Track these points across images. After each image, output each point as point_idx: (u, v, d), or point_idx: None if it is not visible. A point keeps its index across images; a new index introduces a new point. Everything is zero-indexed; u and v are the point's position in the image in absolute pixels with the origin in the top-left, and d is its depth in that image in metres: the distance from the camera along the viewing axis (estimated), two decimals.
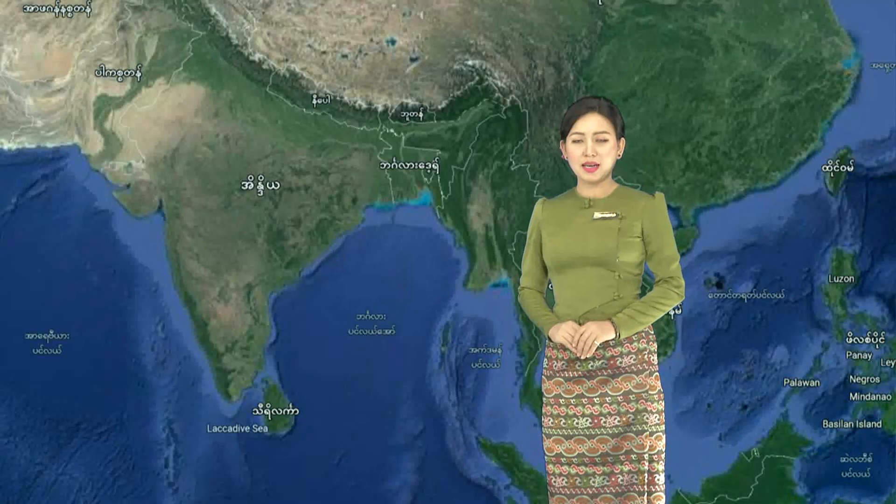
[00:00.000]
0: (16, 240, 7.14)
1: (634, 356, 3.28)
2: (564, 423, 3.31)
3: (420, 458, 7.12)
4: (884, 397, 6.84)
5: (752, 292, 6.95)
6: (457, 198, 7.07)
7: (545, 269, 3.48)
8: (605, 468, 3.26)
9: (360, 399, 7.08)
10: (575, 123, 3.36)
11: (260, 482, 7.13)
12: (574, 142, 3.36)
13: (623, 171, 6.88)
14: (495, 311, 7.08)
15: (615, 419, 3.25)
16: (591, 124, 3.34)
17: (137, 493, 7.14)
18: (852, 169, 6.86)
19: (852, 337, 6.87)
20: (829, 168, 6.88)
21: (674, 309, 7.08)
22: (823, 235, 6.94)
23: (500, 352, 7.05)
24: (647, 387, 3.27)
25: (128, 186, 7.13)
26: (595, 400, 3.28)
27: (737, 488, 6.92)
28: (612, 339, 3.27)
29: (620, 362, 3.28)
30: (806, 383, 6.91)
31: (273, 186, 7.04)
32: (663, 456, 3.30)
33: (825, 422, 6.89)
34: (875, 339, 6.84)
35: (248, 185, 7.04)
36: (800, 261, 6.95)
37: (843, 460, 6.86)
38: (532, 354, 7.05)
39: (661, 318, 6.86)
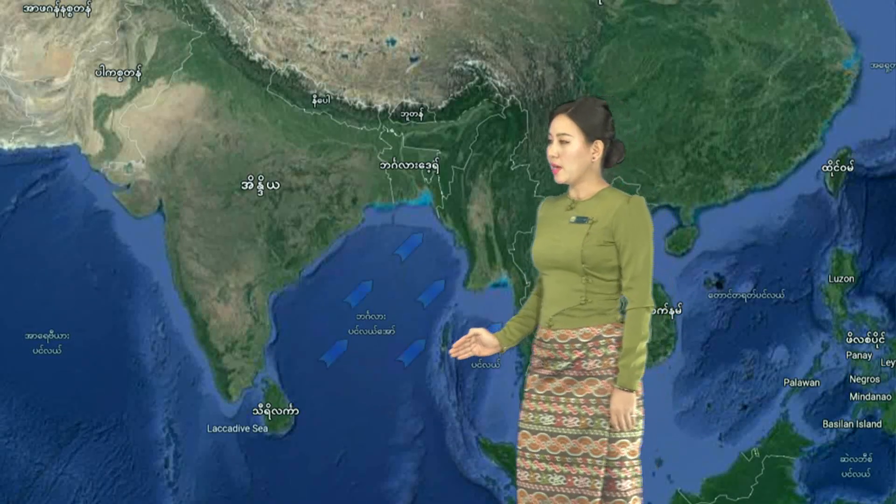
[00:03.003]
0: (16, 240, 7.14)
1: (599, 360, 3.24)
2: (532, 419, 3.34)
3: (420, 458, 7.12)
4: (884, 397, 6.84)
5: (752, 292, 6.95)
6: (457, 198, 7.07)
7: None
8: (564, 468, 3.26)
9: (360, 399, 7.09)
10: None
11: (260, 482, 7.13)
12: (549, 142, 3.34)
13: (623, 171, 6.88)
14: (495, 312, 7.07)
15: (575, 420, 3.24)
16: (555, 125, 3.30)
17: (137, 493, 7.14)
18: (852, 169, 6.86)
19: (852, 337, 6.87)
20: (829, 168, 6.88)
21: (673, 308, 7.13)
22: (823, 235, 6.94)
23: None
24: (609, 392, 3.22)
25: (128, 186, 7.13)
26: (561, 399, 3.28)
27: (737, 488, 6.92)
28: (579, 344, 3.24)
29: (585, 365, 3.25)
30: (806, 383, 6.90)
31: (273, 186, 7.04)
32: (629, 462, 3.23)
33: (825, 422, 6.89)
34: (875, 339, 6.84)
35: (248, 185, 7.04)
36: (800, 261, 6.95)
37: (843, 460, 6.86)
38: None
39: (661, 318, 6.91)
